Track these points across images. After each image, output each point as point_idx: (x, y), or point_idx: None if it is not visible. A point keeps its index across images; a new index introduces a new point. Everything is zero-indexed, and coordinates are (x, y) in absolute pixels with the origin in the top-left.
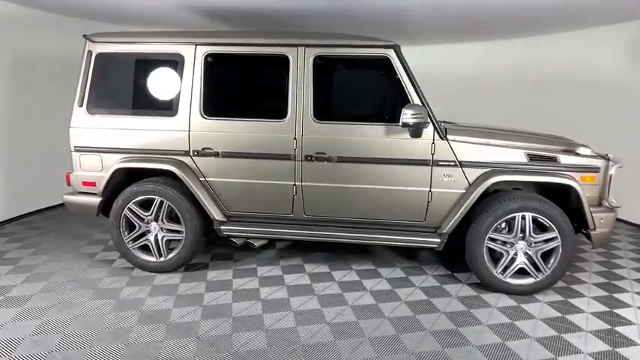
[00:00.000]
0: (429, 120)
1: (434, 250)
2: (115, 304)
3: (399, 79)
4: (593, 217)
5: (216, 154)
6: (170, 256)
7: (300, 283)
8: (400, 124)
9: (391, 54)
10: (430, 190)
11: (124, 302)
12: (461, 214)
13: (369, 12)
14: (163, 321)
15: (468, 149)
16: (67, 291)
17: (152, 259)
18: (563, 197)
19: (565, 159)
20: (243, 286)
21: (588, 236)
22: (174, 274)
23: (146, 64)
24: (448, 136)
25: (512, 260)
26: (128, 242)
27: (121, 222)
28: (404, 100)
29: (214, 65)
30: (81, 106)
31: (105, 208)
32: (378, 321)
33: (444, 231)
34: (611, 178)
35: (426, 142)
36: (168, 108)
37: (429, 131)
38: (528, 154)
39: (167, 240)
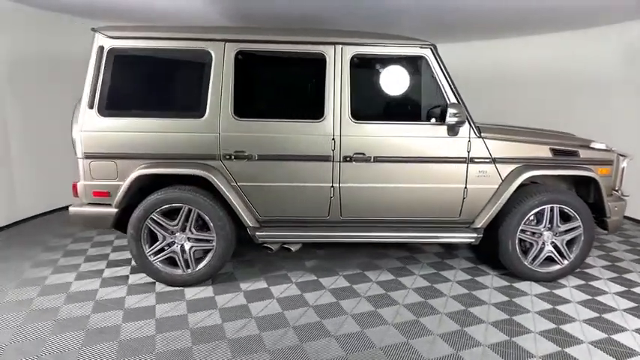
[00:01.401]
0: (466, 118)
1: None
2: (157, 324)
3: (435, 78)
4: (609, 206)
5: (250, 157)
6: (199, 267)
7: (339, 286)
8: (445, 122)
9: (428, 53)
10: (466, 187)
11: (166, 322)
12: (496, 209)
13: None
14: (220, 337)
15: (501, 146)
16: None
17: (178, 271)
18: (578, 188)
19: (584, 153)
20: (284, 293)
21: (604, 223)
22: (203, 286)
23: (168, 61)
24: (482, 134)
25: (541, 249)
26: (150, 255)
27: (142, 234)
28: (440, 99)
29: (246, 63)
30: (91, 107)
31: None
32: (436, 317)
33: (479, 226)
34: (623, 170)
35: (462, 140)
36: (194, 109)
37: (464, 129)
38: (553, 149)
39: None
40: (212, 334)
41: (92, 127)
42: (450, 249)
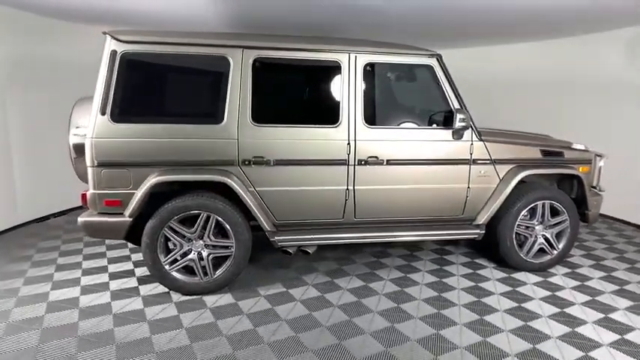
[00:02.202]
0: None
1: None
2: (188, 333)
3: (441, 85)
4: (590, 201)
5: (268, 163)
6: (218, 274)
7: (355, 285)
8: (454, 127)
9: (434, 62)
10: (469, 186)
11: (197, 330)
12: (496, 206)
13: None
14: (259, 342)
15: (499, 148)
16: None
17: (196, 279)
18: (560, 185)
19: (568, 153)
20: (305, 295)
21: (584, 216)
22: (220, 294)
23: (184, 67)
24: (483, 138)
25: (534, 242)
26: (166, 264)
27: (159, 243)
28: (445, 106)
29: (263, 70)
30: (103, 113)
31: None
32: (455, 308)
33: (481, 222)
34: (600, 169)
35: (466, 143)
36: (211, 115)
37: (468, 133)
38: (542, 151)
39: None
40: (249, 339)
41: (104, 134)
42: (443, 246)
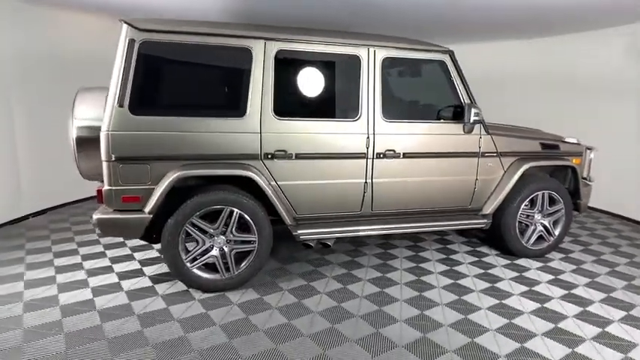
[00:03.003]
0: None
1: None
2: (223, 330)
3: (453, 81)
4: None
5: (290, 157)
6: (240, 269)
7: (373, 276)
8: (469, 121)
9: (447, 58)
10: (477, 178)
11: (231, 327)
12: (502, 197)
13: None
14: (299, 335)
15: (504, 141)
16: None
17: (218, 276)
18: (553, 176)
19: (563, 146)
20: (328, 287)
21: (576, 205)
22: (242, 289)
23: (205, 58)
24: (490, 131)
25: (533, 230)
26: (187, 262)
27: (180, 239)
28: (456, 100)
29: (285, 63)
30: (121, 105)
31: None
32: (474, 294)
33: (488, 212)
34: (590, 161)
35: (475, 137)
36: (234, 108)
37: (477, 127)
38: (541, 144)
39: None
40: (288, 332)
41: (122, 127)
42: (443, 236)
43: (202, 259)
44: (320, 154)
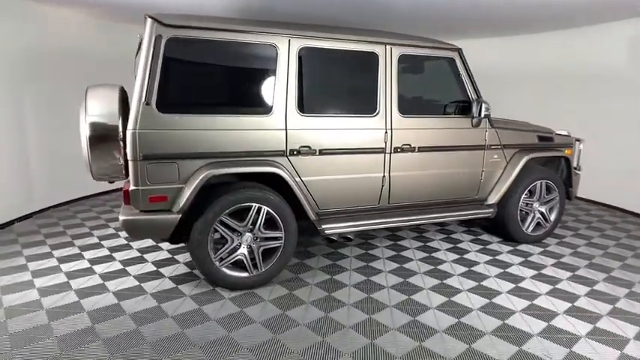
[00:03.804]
0: None
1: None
2: (265, 327)
3: (461, 77)
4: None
5: (314, 153)
6: (268, 266)
7: (391, 268)
8: (480, 116)
9: (456, 55)
10: (483, 170)
11: (272, 323)
12: (506, 187)
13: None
14: (342, 326)
15: (507, 134)
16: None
17: (245, 274)
18: (545, 165)
19: (556, 138)
20: (352, 279)
21: (567, 193)
22: (269, 286)
23: (232, 54)
24: (494, 125)
25: (533, 217)
26: (216, 261)
27: (209, 239)
28: (464, 96)
29: (307, 60)
30: (149, 103)
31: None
32: (492, 280)
33: (493, 202)
34: (580, 152)
35: (482, 130)
36: (260, 105)
37: (484, 121)
38: (539, 136)
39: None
40: (329, 326)
41: (150, 125)
42: (443, 227)
43: (231, 257)
44: (342, 149)
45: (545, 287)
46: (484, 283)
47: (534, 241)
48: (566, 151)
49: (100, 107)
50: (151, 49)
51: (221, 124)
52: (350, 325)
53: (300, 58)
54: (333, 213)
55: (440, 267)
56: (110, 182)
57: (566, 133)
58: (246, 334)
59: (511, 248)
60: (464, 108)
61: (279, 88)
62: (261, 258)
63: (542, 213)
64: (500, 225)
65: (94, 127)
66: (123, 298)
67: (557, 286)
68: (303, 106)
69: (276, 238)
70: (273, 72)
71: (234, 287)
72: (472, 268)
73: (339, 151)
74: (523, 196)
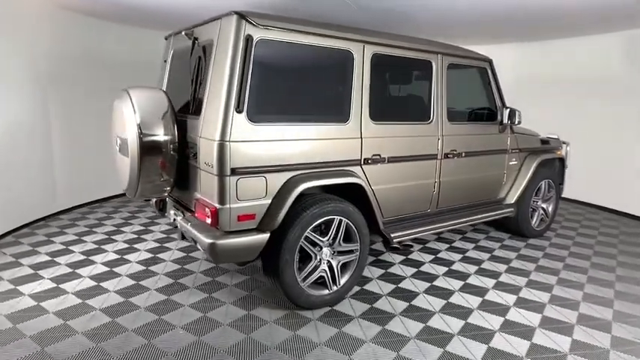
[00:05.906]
0: None
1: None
2: (386, 347)
3: (491, 85)
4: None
5: (383, 160)
6: (344, 281)
7: (440, 272)
8: (516, 123)
9: (487, 66)
10: (505, 172)
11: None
12: (523, 187)
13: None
14: (449, 338)
15: (522, 139)
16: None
17: (325, 291)
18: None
19: (552, 141)
20: (420, 287)
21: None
22: (346, 301)
23: (313, 59)
24: (514, 131)
25: (538, 214)
26: (300, 281)
27: (296, 257)
28: (492, 103)
29: (377, 67)
30: (240, 112)
31: None
32: (525, 274)
33: (513, 201)
34: (567, 153)
35: (506, 136)
36: (339, 113)
37: (507, 128)
38: (540, 140)
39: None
40: (437, 335)
41: (242, 136)
42: None
43: (313, 275)
44: (405, 156)
45: (577, 277)
46: (518, 279)
47: (539, 235)
48: (558, 153)
49: (152, 114)
50: (240, 51)
51: (306, 134)
52: (455, 332)
53: (372, 64)
54: (393, 221)
55: (484, 266)
56: (146, 201)
57: (556, 137)
58: (365, 356)
59: (525, 243)
60: (491, 115)
61: (355, 95)
62: (339, 273)
63: (544, 209)
64: (514, 222)
65: (147, 137)
66: (114, 314)
67: (589, 275)
68: (372, 114)
69: (351, 251)
70: (350, 78)
71: (313, 306)
72: (510, 265)
73: (403, 159)
74: (532, 194)
